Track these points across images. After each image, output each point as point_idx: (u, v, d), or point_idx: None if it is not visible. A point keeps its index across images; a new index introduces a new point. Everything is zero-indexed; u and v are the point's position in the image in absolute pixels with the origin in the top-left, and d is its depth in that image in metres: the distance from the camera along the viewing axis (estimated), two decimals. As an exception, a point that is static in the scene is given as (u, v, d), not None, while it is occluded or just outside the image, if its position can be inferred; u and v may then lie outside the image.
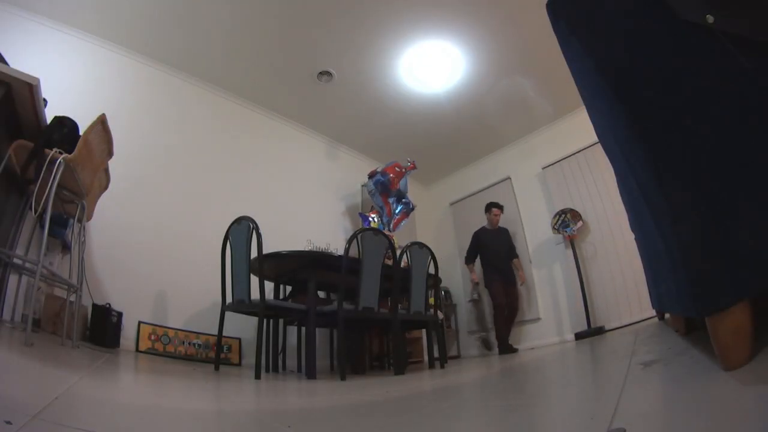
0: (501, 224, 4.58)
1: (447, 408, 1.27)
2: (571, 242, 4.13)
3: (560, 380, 1.67)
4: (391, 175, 4.40)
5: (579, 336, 3.79)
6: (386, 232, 4.15)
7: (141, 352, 2.69)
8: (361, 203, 4.89)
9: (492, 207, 4.53)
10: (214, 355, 2.83)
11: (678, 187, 0.88)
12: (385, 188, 4.39)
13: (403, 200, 4.53)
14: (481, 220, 4.67)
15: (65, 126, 1.82)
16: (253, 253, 2.48)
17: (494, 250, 4.39)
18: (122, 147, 2.45)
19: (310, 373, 2.40)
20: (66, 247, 2.35)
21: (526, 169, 4.90)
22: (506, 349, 4.00)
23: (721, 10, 0.85)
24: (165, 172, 3.34)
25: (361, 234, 2.68)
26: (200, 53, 3.53)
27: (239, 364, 3.14)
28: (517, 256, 4.51)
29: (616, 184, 1.56)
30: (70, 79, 2.97)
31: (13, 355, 1.30)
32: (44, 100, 1.78)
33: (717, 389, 0.77)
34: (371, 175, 4.50)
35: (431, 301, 3.66)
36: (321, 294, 3.42)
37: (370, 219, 4.32)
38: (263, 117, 4.29)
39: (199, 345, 3.00)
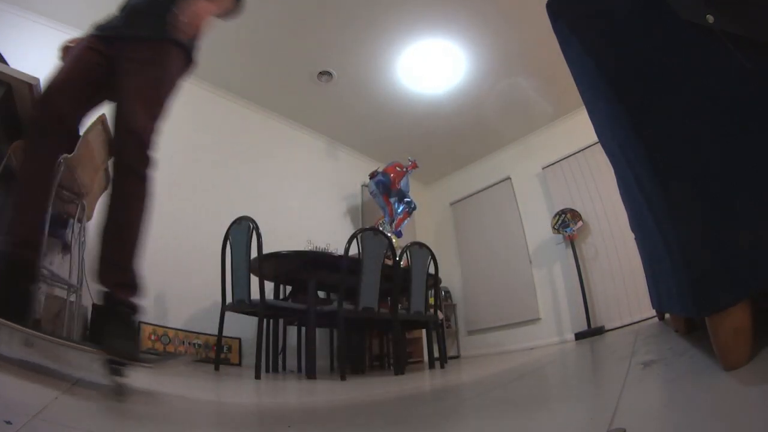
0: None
1: (446, 408, 1.27)
2: (571, 242, 4.13)
3: (560, 380, 1.67)
4: (392, 174, 4.39)
5: (579, 336, 3.79)
6: (389, 233, 4.14)
7: (141, 352, 2.69)
8: (361, 203, 4.89)
9: None
10: (214, 355, 2.83)
11: (678, 187, 0.88)
12: (386, 188, 4.39)
13: (405, 200, 4.53)
14: (481, 220, 4.65)
15: (65, 126, 1.82)
16: (253, 253, 2.48)
17: None
18: (122, 147, 2.44)
19: (310, 373, 2.40)
20: (66, 247, 2.35)
21: (526, 169, 4.90)
22: None
23: (722, 10, 0.85)
24: (164, 171, 3.30)
25: (361, 234, 2.68)
26: (200, 53, 3.52)
27: (239, 364, 3.14)
28: None
29: (616, 184, 1.56)
30: (70, 79, 2.97)
31: (13, 355, 1.30)
32: (44, 100, 1.77)
33: (717, 389, 0.77)
34: (372, 176, 4.50)
35: (431, 301, 3.66)
36: (321, 294, 3.42)
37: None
38: (263, 117, 4.29)
39: (199, 345, 3.00)
